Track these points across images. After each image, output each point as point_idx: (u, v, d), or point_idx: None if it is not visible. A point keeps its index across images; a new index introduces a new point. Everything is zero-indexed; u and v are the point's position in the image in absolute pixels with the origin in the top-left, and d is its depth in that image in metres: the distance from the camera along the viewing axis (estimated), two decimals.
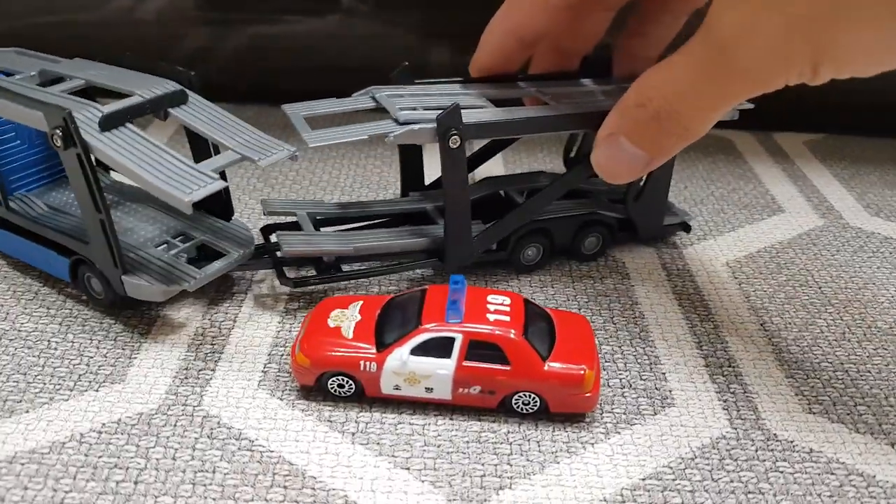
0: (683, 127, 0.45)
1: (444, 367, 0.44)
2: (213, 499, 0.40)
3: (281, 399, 0.46)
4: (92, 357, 0.49)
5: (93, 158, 0.46)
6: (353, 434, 0.44)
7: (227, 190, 0.53)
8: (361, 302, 0.48)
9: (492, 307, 0.45)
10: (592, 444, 0.44)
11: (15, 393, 0.46)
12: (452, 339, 0.44)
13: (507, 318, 0.44)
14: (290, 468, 0.42)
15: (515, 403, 0.45)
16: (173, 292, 0.49)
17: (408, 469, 0.42)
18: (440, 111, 0.50)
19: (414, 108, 0.52)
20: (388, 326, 0.46)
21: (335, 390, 0.45)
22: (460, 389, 0.44)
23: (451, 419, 0.45)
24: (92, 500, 0.39)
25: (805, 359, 0.51)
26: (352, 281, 0.56)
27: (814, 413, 0.47)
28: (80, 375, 0.47)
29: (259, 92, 0.81)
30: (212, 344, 0.50)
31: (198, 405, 0.45)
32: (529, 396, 0.44)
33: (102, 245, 0.48)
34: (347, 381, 0.45)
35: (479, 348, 0.43)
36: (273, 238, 0.56)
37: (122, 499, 0.39)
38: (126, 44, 0.63)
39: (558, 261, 0.60)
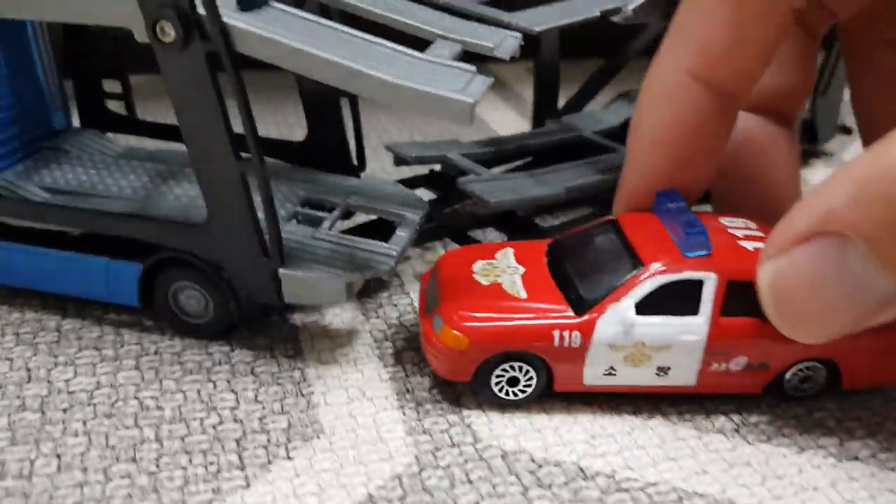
0: None
1: (690, 329, 0.29)
2: None
3: None
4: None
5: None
6: None
7: (358, 126, 0.37)
8: (512, 248, 0.34)
9: (739, 233, 0.31)
10: None
11: None
12: (701, 283, 0.29)
13: None
14: None
15: (790, 381, 0.31)
16: (358, 286, 0.32)
17: None
18: None
19: None
20: (577, 277, 0.31)
21: (503, 389, 0.31)
22: (714, 364, 0.30)
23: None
24: None
25: None
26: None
27: None
28: None
29: None
30: None
31: None
32: (814, 368, 0.31)
33: (243, 220, 0.30)
34: (526, 370, 0.30)
35: (743, 294, 0.29)
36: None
37: None
38: None
39: None
